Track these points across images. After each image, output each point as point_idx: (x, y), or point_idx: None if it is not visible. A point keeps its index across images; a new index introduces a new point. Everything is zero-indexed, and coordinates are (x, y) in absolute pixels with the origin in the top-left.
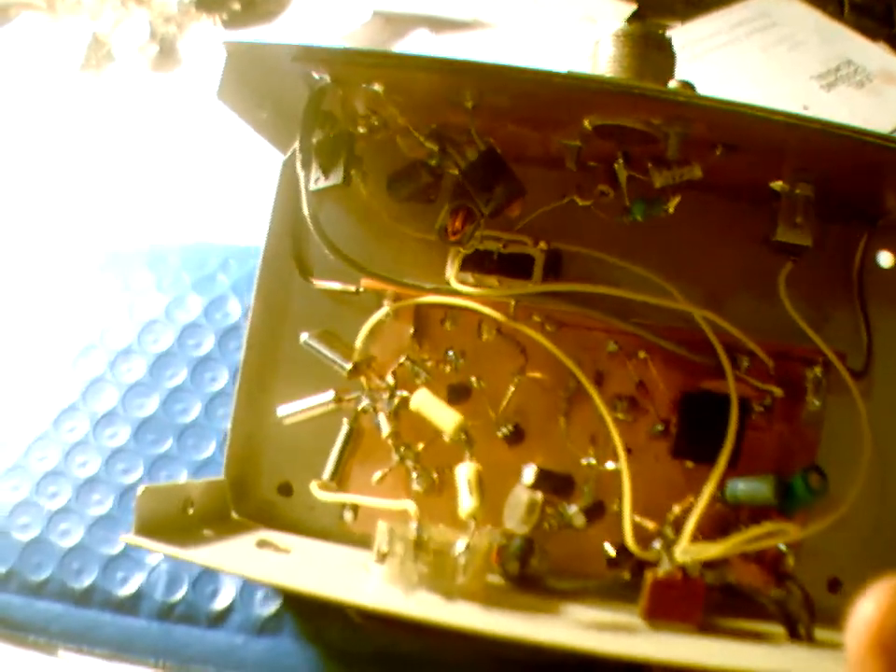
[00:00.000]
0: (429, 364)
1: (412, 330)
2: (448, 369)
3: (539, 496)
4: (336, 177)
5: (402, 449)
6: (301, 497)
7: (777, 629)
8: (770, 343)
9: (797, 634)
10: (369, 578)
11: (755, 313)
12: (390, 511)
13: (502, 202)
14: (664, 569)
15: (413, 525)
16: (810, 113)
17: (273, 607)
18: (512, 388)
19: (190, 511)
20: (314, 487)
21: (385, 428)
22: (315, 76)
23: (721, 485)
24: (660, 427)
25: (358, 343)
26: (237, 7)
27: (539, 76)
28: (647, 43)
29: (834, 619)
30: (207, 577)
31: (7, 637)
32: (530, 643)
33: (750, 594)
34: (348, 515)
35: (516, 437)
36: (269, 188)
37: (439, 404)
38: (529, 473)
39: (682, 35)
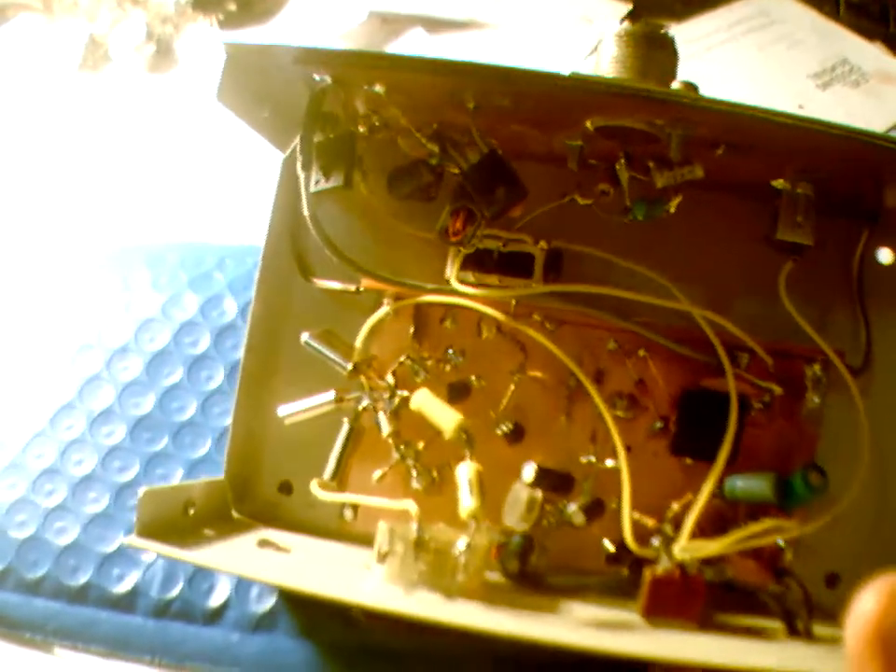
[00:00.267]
0: (429, 363)
1: (412, 329)
2: (448, 367)
3: (539, 493)
4: (337, 179)
5: (402, 448)
6: (302, 496)
7: (776, 625)
8: (770, 342)
9: (796, 629)
10: (369, 577)
11: (755, 311)
12: (391, 510)
13: (504, 205)
14: (662, 567)
15: (414, 525)
16: (806, 112)
17: (268, 604)
18: (512, 387)
19: (191, 512)
20: (314, 486)
21: (386, 428)
22: (316, 77)
23: (721, 483)
24: (659, 425)
25: (359, 342)
26: (233, 7)
27: (543, 78)
28: (650, 43)
29: (833, 614)
30: (203, 574)
31: (3, 635)
32: (529, 641)
33: (749, 590)
34: (348, 514)
35: (516, 435)
36: (266, 187)
37: (439, 404)
38: (529, 471)
39: (679, 34)
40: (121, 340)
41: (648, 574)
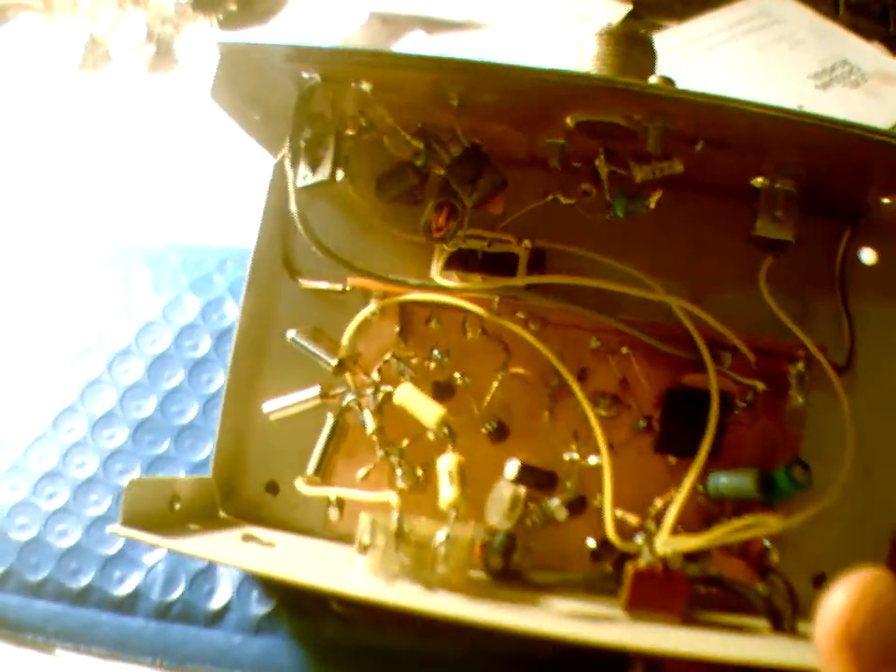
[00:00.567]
0: (414, 361)
1: (397, 328)
2: (433, 366)
3: (522, 490)
4: (322, 174)
5: (387, 446)
6: (288, 496)
7: (761, 623)
8: (753, 339)
9: (781, 627)
10: (351, 569)
11: (738, 309)
12: (374, 507)
13: (485, 193)
14: (645, 561)
15: (395, 516)
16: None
17: (269, 606)
18: (496, 384)
19: (177, 507)
20: (299, 483)
21: (370, 425)
22: (305, 75)
23: (704, 480)
24: (643, 423)
25: (345, 340)
26: (233, 7)
27: (523, 72)
28: (628, 41)
29: None
30: (204, 576)
31: (4, 637)
32: (511, 631)
33: (734, 586)
34: (333, 513)
35: (500, 433)
36: (263, 189)
37: (422, 398)
38: (512, 468)
39: (679, 35)
40: (122, 343)
41: (630, 568)
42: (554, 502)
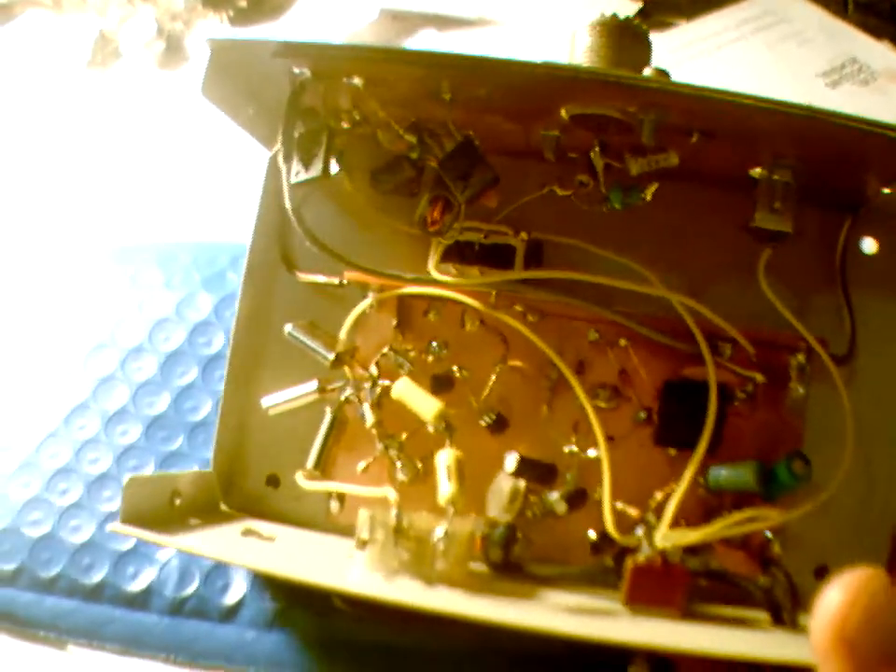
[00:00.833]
0: (412, 355)
1: (395, 322)
2: (431, 359)
3: (522, 483)
4: (315, 170)
5: (386, 439)
6: (289, 489)
7: (762, 616)
8: (752, 331)
9: (781, 620)
10: (351, 565)
11: (737, 300)
12: (374, 500)
13: (478, 189)
14: (644, 555)
15: (393, 512)
16: None
17: (282, 602)
18: (494, 377)
19: (178, 503)
20: (298, 477)
21: (369, 418)
22: (296, 70)
23: (704, 473)
24: (642, 415)
25: (342, 334)
26: (243, 3)
27: (511, 66)
28: (622, 33)
29: None
30: (218, 572)
31: (17, 633)
32: (511, 627)
33: (734, 579)
34: (334, 506)
35: (499, 426)
36: (259, 184)
37: (420, 392)
38: (511, 461)
39: (688, 32)
40: (135, 340)
41: (630, 562)
42: (554, 495)
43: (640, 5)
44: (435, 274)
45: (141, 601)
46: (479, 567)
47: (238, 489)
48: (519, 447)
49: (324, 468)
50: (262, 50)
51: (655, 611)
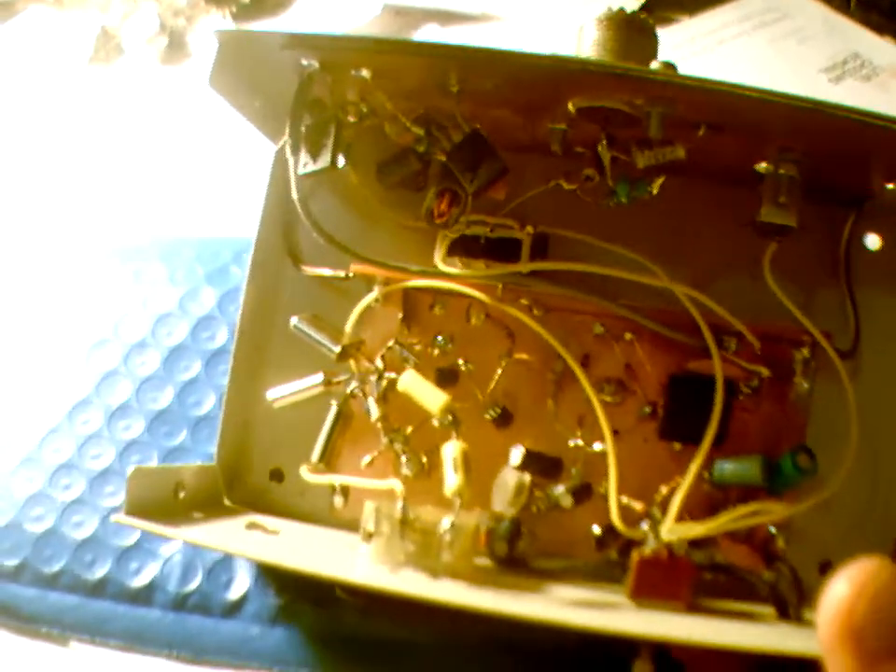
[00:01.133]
0: (418, 348)
1: (400, 315)
2: (436, 353)
3: (527, 477)
4: (324, 161)
5: (391, 433)
6: (293, 484)
7: (767, 610)
8: (757, 325)
9: (787, 614)
10: (356, 556)
11: (742, 294)
12: (378, 494)
13: (486, 180)
14: (650, 548)
15: (399, 504)
16: None
17: (286, 597)
18: (500, 371)
19: (182, 495)
20: (303, 470)
21: (374, 412)
22: (304, 62)
23: (709, 467)
24: (647, 410)
25: (348, 327)
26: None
27: (524, 58)
28: (629, 27)
29: None
30: (221, 567)
31: (19, 629)
32: (517, 619)
33: (739, 572)
34: (338, 501)
35: (504, 419)
36: (265, 177)
37: (426, 385)
38: (517, 455)
39: (691, 28)
40: (139, 334)
41: (635, 555)
42: (559, 489)
43: (643, 0)
44: (442, 267)
45: (144, 597)
46: (483, 561)
47: (241, 483)
48: (524, 441)
49: (329, 461)
50: (271, 42)
51: (661, 605)
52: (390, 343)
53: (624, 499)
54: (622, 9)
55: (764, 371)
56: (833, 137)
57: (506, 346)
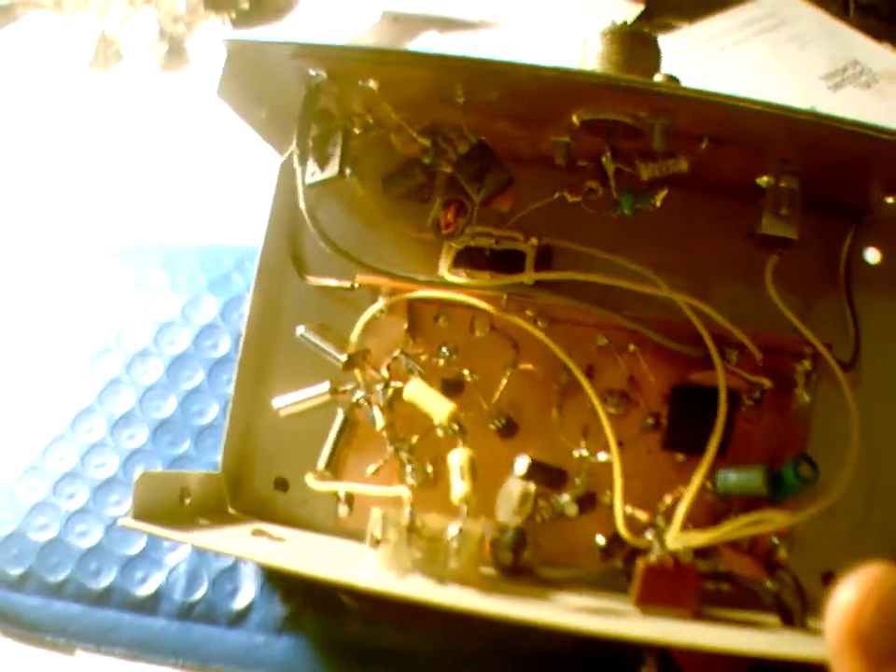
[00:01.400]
0: (423, 359)
1: (405, 326)
2: (441, 363)
3: (532, 486)
4: (331, 170)
5: (397, 441)
6: (297, 493)
7: (771, 619)
8: (759, 336)
9: (791, 622)
10: (362, 562)
11: (743, 306)
12: (384, 502)
13: (493, 190)
14: (655, 555)
15: (407, 511)
16: None
17: (292, 605)
18: (504, 381)
19: (187, 502)
20: (309, 479)
21: (380, 421)
22: (312, 72)
23: (712, 477)
24: (651, 421)
25: (353, 337)
26: (245, 5)
27: (528, 70)
28: (633, 39)
29: None
30: (227, 576)
31: (24, 638)
32: (525, 624)
33: (743, 581)
34: (343, 510)
35: (508, 430)
36: (270, 187)
37: (432, 394)
38: (522, 464)
39: (691, 35)
40: (141, 343)
41: (641, 563)
42: (564, 498)
43: (642, 7)
44: (448, 277)
45: (149, 606)
46: (488, 571)
47: (245, 492)
48: (528, 451)
49: (334, 469)
50: (279, 52)
51: (666, 612)
52: (395, 354)
53: (628, 510)
54: (625, 23)
55: (766, 383)
56: (834, 149)
57: (510, 357)
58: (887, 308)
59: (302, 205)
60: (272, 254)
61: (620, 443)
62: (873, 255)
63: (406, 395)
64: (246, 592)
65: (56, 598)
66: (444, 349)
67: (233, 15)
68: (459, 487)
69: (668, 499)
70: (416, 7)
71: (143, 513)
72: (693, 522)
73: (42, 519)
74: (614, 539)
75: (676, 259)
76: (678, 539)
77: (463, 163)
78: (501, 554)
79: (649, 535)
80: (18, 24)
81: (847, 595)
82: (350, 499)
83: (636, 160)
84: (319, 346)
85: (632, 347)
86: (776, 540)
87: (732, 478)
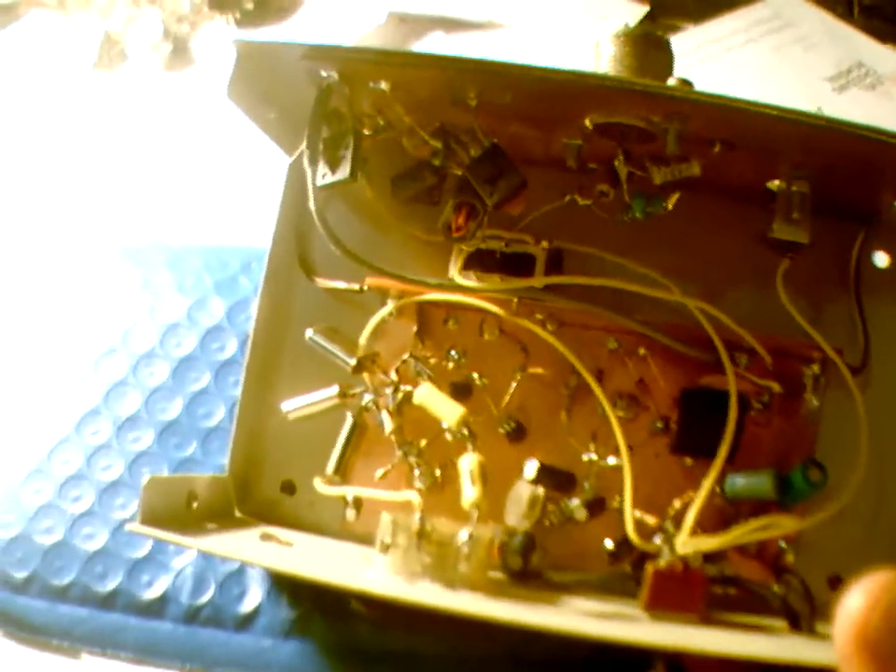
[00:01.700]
0: (432, 362)
1: (415, 329)
2: (450, 366)
3: (541, 490)
4: (343, 172)
5: (405, 446)
6: (305, 496)
7: (779, 623)
8: (769, 340)
9: (799, 626)
10: (372, 567)
11: (752, 310)
12: (392, 506)
13: (506, 194)
14: (665, 560)
15: (417, 516)
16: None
17: (299, 609)
18: (514, 384)
19: (195, 506)
20: (317, 483)
21: (388, 425)
22: (324, 73)
23: (721, 481)
24: (660, 425)
25: (362, 340)
26: (250, 5)
27: (542, 73)
28: (646, 43)
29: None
30: (234, 579)
31: (29, 642)
32: (534, 629)
33: (751, 586)
34: (350, 514)
35: (518, 434)
36: (278, 189)
37: (442, 398)
38: (531, 468)
39: (697, 36)
40: (147, 345)
41: (650, 567)
42: (573, 502)
43: (647, 8)
44: (458, 279)
45: (156, 609)
46: (497, 575)
47: (253, 495)
48: (537, 455)
49: (343, 473)
50: (291, 53)
51: (675, 617)
52: (404, 357)
53: (637, 514)
54: (638, 25)
55: (776, 387)
56: (846, 154)
57: (520, 361)
58: None
59: (312, 207)
60: (280, 256)
61: (629, 447)
62: (882, 259)
63: (416, 399)
64: (253, 595)
65: (61, 602)
66: (453, 352)
67: (238, 15)
68: (470, 492)
69: (677, 504)
70: (422, 7)
71: (151, 518)
72: (702, 526)
73: (47, 522)
74: (623, 543)
75: (686, 263)
76: (687, 543)
77: (476, 166)
78: (510, 559)
79: (658, 539)
80: (21, 23)
81: (855, 602)
82: (358, 503)
83: (648, 163)
84: (328, 349)
85: (642, 351)
86: (783, 544)
87: (740, 482)
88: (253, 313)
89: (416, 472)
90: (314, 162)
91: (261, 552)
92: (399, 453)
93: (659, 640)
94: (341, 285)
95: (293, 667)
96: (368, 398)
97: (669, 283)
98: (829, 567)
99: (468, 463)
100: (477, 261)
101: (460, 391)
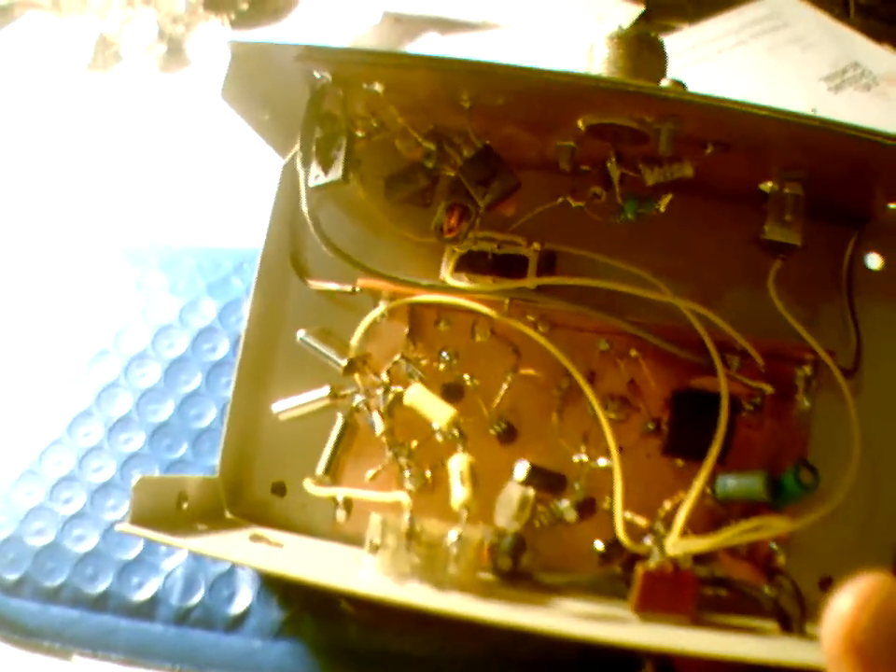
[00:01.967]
0: (423, 363)
1: (406, 330)
2: (442, 368)
3: (531, 492)
4: (335, 174)
5: (396, 447)
6: (295, 498)
7: (770, 625)
8: (760, 342)
9: (790, 627)
10: (361, 568)
11: (745, 312)
12: (382, 507)
13: (498, 195)
14: (654, 561)
15: (406, 517)
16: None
17: (289, 610)
18: (505, 386)
19: (185, 506)
20: (307, 484)
21: (379, 426)
22: (317, 75)
23: (712, 482)
24: (651, 426)
25: (354, 341)
26: (245, 6)
27: (533, 74)
28: (639, 45)
29: None
30: (224, 581)
31: (20, 643)
32: (523, 631)
33: (741, 587)
34: (341, 515)
35: (508, 435)
36: (271, 190)
37: (433, 399)
38: (521, 469)
39: (692, 36)
40: (139, 346)
41: (640, 569)
42: (564, 503)
43: (643, 8)
44: (450, 281)
45: (146, 611)
46: (486, 576)
47: (243, 496)
48: (528, 456)
49: (333, 474)
50: (285, 54)
51: (665, 618)
52: (396, 358)
53: (628, 515)
54: (632, 27)
55: (767, 389)
56: (840, 155)
57: (511, 362)
58: (888, 314)
59: (305, 208)
60: (272, 257)
61: (620, 449)
62: (875, 260)
63: (406, 400)
64: (243, 597)
65: (52, 603)
66: (445, 354)
67: (233, 16)
68: (459, 493)
69: (668, 505)
70: (418, 8)
71: (141, 518)
72: (693, 527)
73: (38, 523)
74: (613, 544)
75: (678, 265)
76: (677, 545)
77: (468, 167)
78: (500, 560)
79: (648, 541)
80: (16, 25)
81: (844, 604)
82: (348, 504)
83: (640, 164)
84: (320, 350)
85: (633, 352)
86: (774, 546)
87: (731, 484)
88: (245, 314)
89: (407, 473)
90: (307, 164)
91: (251, 552)
92: (389, 454)
93: (648, 642)
94: (333, 286)
95: (283, 668)
96: (359, 399)
97: (661, 284)
98: (820, 568)
99: (457, 464)
100: (469, 263)
101: (451, 392)
